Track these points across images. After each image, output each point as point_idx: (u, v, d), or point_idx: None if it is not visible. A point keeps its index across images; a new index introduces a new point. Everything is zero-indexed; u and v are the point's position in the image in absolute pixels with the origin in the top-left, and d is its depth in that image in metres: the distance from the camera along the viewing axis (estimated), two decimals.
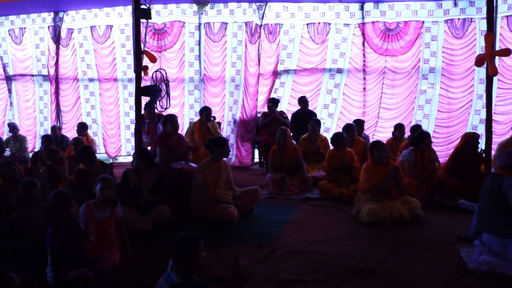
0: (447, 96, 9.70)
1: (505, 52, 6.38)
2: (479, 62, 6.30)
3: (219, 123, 9.64)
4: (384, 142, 8.60)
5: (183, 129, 9.54)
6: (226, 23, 10.04)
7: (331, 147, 7.55)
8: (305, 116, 9.28)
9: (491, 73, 6.14)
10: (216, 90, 10.20)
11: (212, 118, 9.06)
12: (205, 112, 8.94)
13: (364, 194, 6.03)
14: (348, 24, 9.84)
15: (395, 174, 5.88)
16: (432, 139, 9.32)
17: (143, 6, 6.86)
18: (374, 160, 6.08)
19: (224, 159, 6.23)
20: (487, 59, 6.17)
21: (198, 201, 5.84)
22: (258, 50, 9.97)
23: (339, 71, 9.98)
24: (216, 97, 10.21)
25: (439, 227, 5.61)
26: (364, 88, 9.94)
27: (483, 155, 6.88)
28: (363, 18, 9.73)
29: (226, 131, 10.03)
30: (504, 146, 7.55)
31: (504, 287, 3.98)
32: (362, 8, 9.69)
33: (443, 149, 9.64)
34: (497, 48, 8.62)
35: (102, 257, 4.26)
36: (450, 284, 4.05)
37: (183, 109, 10.40)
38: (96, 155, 6.72)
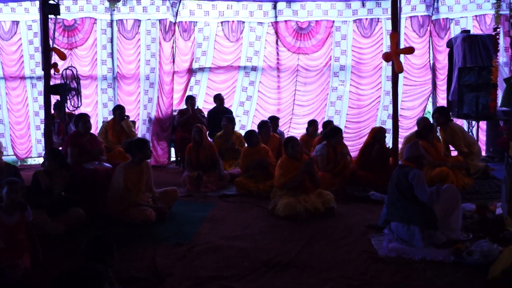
0: (357, 92, 10.14)
1: (409, 50, 6.74)
2: (386, 58, 6.62)
3: (133, 122, 9.45)
4: (298, 137, 8.89)
5: (96, 129, 9.26)
6: (140, 20, 9.84)
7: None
8: (221, 114, 9.26)
9: (397, 70, 6.45)
10: (130, 88, 9.98)
11: (125, 117, 8.86)
12: (119, 110, 8.72)
13: (280, 189, 6.15)
14: (261, 23, 10.00)
15: (309, 168, 6.06)
16: (344, 134, 9.72)
17: (51, 2, 6.61)
18: (289, 156, 6.21)
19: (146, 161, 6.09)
20: (393, 56, 6.49)
21: (117, 204, 5.68)
22: (173, 47, 9.91)
23: (254, 69, 10.12)
24: (130, 95, 9.99)
25: (351, 218, 5.84)
26: (279, 86, 10.15)
27: (390, 148, 7.26)
28: (276, 17, 9.94)
29: (141, 130, 9.85)
30: (409, 139, 7.96)
31: (411, 271, 4.21)
32: (275, 7, 9.90)
33: (354, 143, 10.04)
34: (402, 47, 9.18)
35: (12, 264, 4.06)
36: (362, 271, 4.23)
37: (96, 108, 10.07)
38: (4, 157, 6.38)
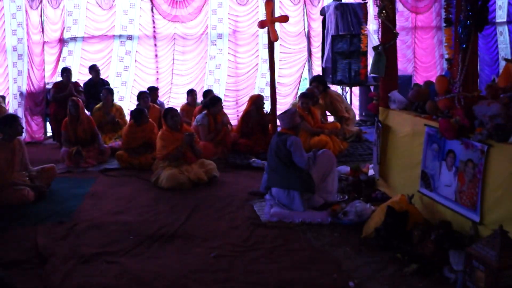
0: (235, 61, 10.27)
1: (284, 19, 6.97)
2: (261, 26, 6.79)
3: (3, 97, 8.81)
4: (179, 107, 8.90)
5: None
6: None
7: (128, 118, 7.45)
8: (98, 85, 9.00)
9: (273, 38, 6.66)
10: None
11: None
12: None
13: (162, 161, 6.18)
14: None
15: (190, 140, 6.15)
16: (224, 103, 9.88)
17: None
18: (169, 127, 6.24)
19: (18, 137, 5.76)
20: (268, 25, 6.68)
21: None
22: (41, 16, 9.30)
23: (130, 37, 9.86)
24: None
25: (234, 186, 6.04)
26: (156, 55, 10.00)
27: (269, 114, 7.53)
28: None
29: (12, 105, 9.21)
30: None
31: (292, 234, 4.48)
32: None
33: (234, 111, 10.27)
34: (277, 15, 9.44)
35: None
36: (245, 237, 4.43)
37: None
38: None
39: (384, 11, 5.07)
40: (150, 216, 5.02)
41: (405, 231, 3.97)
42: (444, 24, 4.06)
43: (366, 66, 5.43)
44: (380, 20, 5.18)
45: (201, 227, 4.71)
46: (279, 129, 5.52)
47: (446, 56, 4.21)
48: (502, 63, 10.43)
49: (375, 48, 5.20)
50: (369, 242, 4.19)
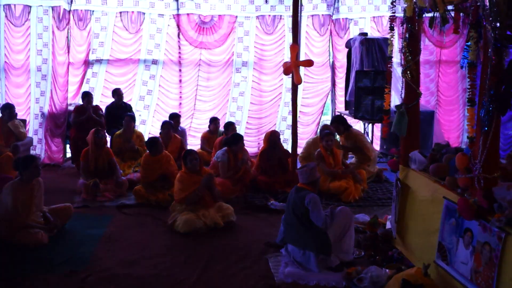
0: (258, 89, 10.20)
1: (308, 63, 6.87)
2: (286, 71, 6.67)
3: (23, 121, 8.79)
4: (201, 134, 8.85)
5: None
6: (30, 6, 9.09)
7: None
8: (120, 109, 8.98)
9: (296, 81, 6.57)
10: (19, 80, 9.23)
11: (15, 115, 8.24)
12: (8, 110, 8.10)
13: (179, 204, 6.07)
14: (162, 15, 9.68)
15: (208, 183, 6.04)
16: (245, 130, 9.83)
17: None
18: (188, 169, 6.14)
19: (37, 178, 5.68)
20: (293, 68, 6.57)
21: (5, 226, 5.29)
22: (67, 37, 9.31)
23: (155, 62, 9.82)
24: (19, 87, 9.25)
25: (250, 233, 5.90)
26: (180, 80, 9.95)
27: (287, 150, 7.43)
28: (178, 9, 9.66)
29: (33, 125, 9.23)
30: (309, 145, 8.16)
31: None
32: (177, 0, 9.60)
33: (255, 139, 10.19)
34: (302, 47, 9.35)
35: None
36: None
37: None
38: None
39: (408, 72, 4.95)
40: (164, 269, 4.89)
41: None
42: (468, 104, 3.98)
43: (388, 124, 5.38)
44: (404, 79, 5.02)
45: (214, 286, 4.57)
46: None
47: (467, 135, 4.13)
48: None
49: (398, 107, 5.10)
50: None
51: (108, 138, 8.32)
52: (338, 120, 8.21)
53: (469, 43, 4.13)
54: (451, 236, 4.10)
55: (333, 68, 10.39)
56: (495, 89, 3.49)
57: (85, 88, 9.42)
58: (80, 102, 8.96)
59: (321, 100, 10.44)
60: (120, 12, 9.49)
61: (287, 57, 9.69)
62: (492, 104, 3.51)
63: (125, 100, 9.37)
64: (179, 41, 9.80)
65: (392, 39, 5.43)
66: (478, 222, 3.70)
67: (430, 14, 4.69)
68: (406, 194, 5.07)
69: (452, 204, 4.08)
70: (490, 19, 3.46)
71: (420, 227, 4.77)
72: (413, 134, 5.15)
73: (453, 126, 10.80)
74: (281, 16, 9.98)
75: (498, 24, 3.41)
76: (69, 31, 9.31)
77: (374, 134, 9.87)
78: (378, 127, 10.13)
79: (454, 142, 10.46)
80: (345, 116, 8.72)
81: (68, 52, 9.32)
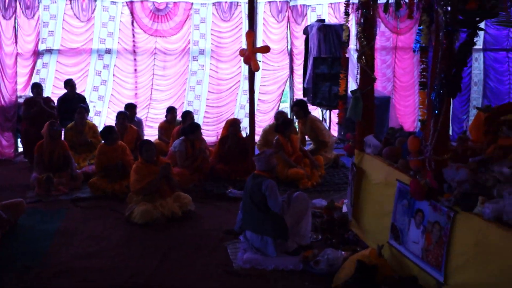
0: (216, 77, 10.10)
1: (265, 49, 6.82)
2: (246, 60, 6.60)
3: None
4: (158, 124, 8.72)
5: None
6: None
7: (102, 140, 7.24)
8: (73, 101, 8.72)
9: (254, 69, 6.52)
10: None
11: None
12: None
13: (136, 195, 5.96)
14: (115, 2, 9.47)
15: (166, 173, 5.95)
16: (204, 119, 9.74)
17: None
18: (144, 159, 6.02)
19: None
20: (250, 56, 6.51)
21: None
22: (14, 27, 8.96)
23: (108, 51, 9.59)
24: None
25: (209, 221, 5.86)
26: (135, 70, 9.75)
27: (247, 137, 7.40)
28: None
29: None
30: (266, 133, 8.17)
31: (263, 284, 4.35)
32: None
33: (214, 128, 10.12)
34: (260, 34, 9.31)
35: None
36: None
37: None
38: None
39: (363, 57, 4.99)
40: (121, 260, 4.81)
41: (374, 284, 3.96)
42: (420, 88, 4.04)
43: (344, 109, 5.43)
44: (359, 64, 5.05)
45: (172, 275, 4.52)
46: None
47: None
48: (474, 89, 10.58)
49: (353, 92, 5.15)
50: None
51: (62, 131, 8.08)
52: (299, 104, 8.27)
53: (421, 27, 4.17)
54: (403, 217, 4.20)
55: (291, 55, 10.40)
56: (446, 73, 3.56)
57: (35, 79, 9.11)
58: (31, 94, 8.66)
59: (279, 87, 10.44)
60: (70, 0, 9.19)
61: (244, 44, 9.60)
62: (443, 87, 3.58)
63: (78, 91, 9.09)
64: (133, 29, 9.59)
65: (347, 24, 5.42)
66: (429, 203, 3.80)
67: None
68: (361, 178, 5.14)
69: (405, 186, 4.16)
70: (442, 3, 3.51)
71: (374, 210, 4.86)
72: (368, 119, 5.20)
73: (409, 111, 11.00)
74: (238, 2, 9.89)
75: (449, 8, 3.46)
76: (16, 20, 8.96)
77: (332, 120, 9.92)
78: (336, 113, 10.16)
79: (410, 127, 10.67)
80: None
81: (16, 42, 8.97)
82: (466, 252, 3.42)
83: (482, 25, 3.90)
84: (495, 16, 4.03)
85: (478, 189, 3.49)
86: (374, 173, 4.91)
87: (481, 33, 10.15)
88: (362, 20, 5.01)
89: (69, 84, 8.85)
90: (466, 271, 3.42)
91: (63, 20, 9.27)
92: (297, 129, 8.39)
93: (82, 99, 8.92)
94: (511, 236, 3.02)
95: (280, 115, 8.23)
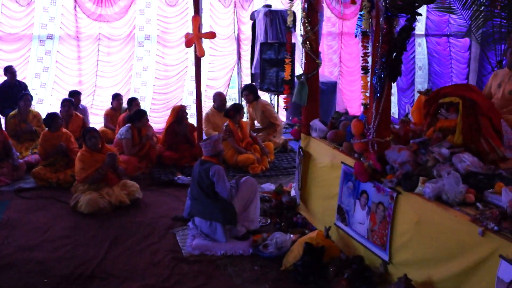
0: (163, 63, 9.96)
1: (210, 35, 6.76)
2: (188, 43, 6.53)
3: None
4: (103, 111, 8.54)
5: None
6: None
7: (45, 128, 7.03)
8: (14, 88, 8.43)
9: (199, 54, 6.44)
10: None
11: None
12: None
13: (81, 184, 5.84)
14: None
15: (112, 161, 5.85)
16: (151, 106, 9.61)
17: None
18: (89, 147, 5.90)
19: None
20: (195, 41, 6.44)
21: None
22: None
23: (50, 37, 9.29)
24: None
25: (157, 209, 5.83)
26: (79, 56, 9.49)
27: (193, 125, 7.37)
28: None
29: None
30: (211, 117, 8.12)
31: (213, 269, 4.36)
32: None
33: (162, 115, 10.00)
34: (207, 19, 9.22)
35: None
36: (166, 276, 4.24)
37: None
38: None
39: (308, 42, 5.04)
40: (67, 250, 4.71)
41: (322, 266, 4.07)
42: (362, 72, 4.14)
43: (289, 94, 5.51)
44: (303, 50, 5.11)
45: (120, 264, 4.46)
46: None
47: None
48: (418, 73, 10.93)
49: (298, 77, 5.22)
50: (288, 276, 4.21)
51: (2, 120, 7.80)
52: (249, 88, 8.30)
53: (362, 12, 4.25)
54: (349, 198, 4.31)
55: (238, 40, 10.37)
56: (386, 57, 3.65)
57: None
58: None
59: (227, 73, 10.42)
60: None
61: (191, 29, 9.51)
62: (384, 71, 3.68)
63: (19, 78, 8.79)
64: (76, 14, 9.31)
65: (292, 9, 5.45)
66: (373, 184, 3.92)
67: None
68: (308, 162, 5.23)
69: (349, 168, 4.26)
70: None
71: (321, 192, 4.96)
72: (314, 103, 5.27)
73: (355, 95, 11.20)
74: None
75: None
76: None
77: (280, 105, 10.00)
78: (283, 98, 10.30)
79: (357, 111, 10.87)
80: None
81: None
82: (408, 230, 3.55)
83: (422, 10, 4.02)
84: (432, 2, 4.15)
85: (419, 170, 3.62)
86: (320, 157, 5.00)
87: (423, 19, 10.47)
88: (306, 6, 5.05)
89: (9, 71, 8.54)
90: (409, 249, 3.56)
91: (2, 4, 8.90)
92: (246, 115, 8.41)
93: (23, 86, 8.63)
94: (450, 214, 3.14)
95: (218, 96, 8.20)
